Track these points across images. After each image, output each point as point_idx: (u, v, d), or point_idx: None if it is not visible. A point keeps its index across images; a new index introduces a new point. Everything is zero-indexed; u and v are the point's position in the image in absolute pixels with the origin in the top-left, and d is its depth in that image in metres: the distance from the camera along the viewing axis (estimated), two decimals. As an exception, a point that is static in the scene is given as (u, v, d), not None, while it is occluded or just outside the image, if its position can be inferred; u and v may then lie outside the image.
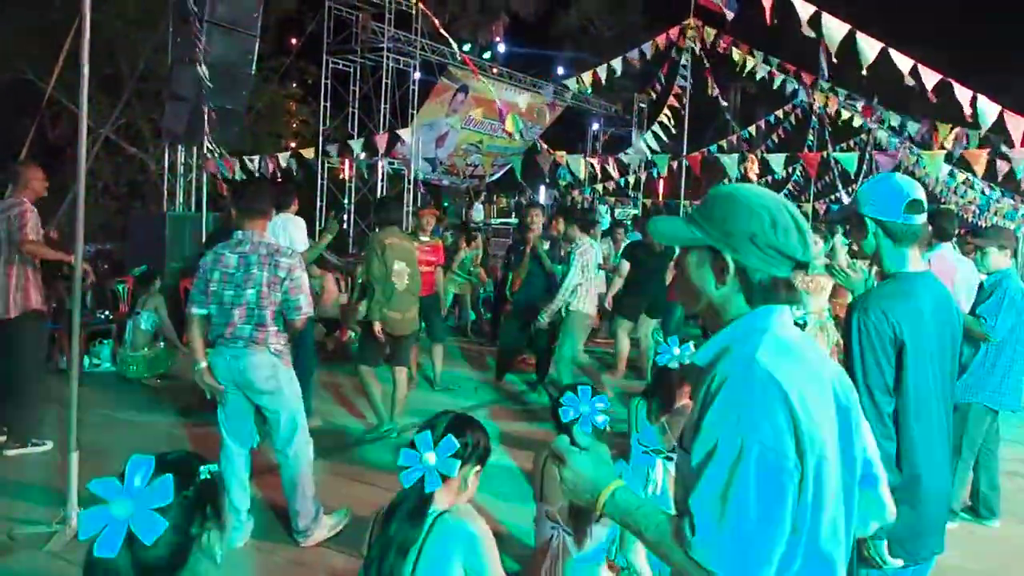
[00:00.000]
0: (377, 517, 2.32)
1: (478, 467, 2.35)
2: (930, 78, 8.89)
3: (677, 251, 1.83)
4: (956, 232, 6.86)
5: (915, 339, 2.45)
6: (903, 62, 8.81)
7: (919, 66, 8.84)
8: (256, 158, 12.48)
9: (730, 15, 10.78)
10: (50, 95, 10.13)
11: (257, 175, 12.72)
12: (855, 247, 6.83)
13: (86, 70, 4.36)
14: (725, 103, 19.85)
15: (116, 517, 1.37)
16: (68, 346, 7.23)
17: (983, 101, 9.00)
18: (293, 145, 15.40)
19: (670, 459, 3.58)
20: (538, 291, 8.09)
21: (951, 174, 20.95)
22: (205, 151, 10.85)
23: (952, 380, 2.64)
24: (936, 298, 2.58)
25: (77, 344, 4.55)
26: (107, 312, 8.82)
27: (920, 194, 2.56)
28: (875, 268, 2.77)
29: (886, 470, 1.95)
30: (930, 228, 4.95)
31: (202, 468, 1.54)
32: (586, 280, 7.25)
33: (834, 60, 8.97)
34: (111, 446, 5.70)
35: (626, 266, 8.56)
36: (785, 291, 1.62)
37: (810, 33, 8.89)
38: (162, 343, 8.06)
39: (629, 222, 13.48)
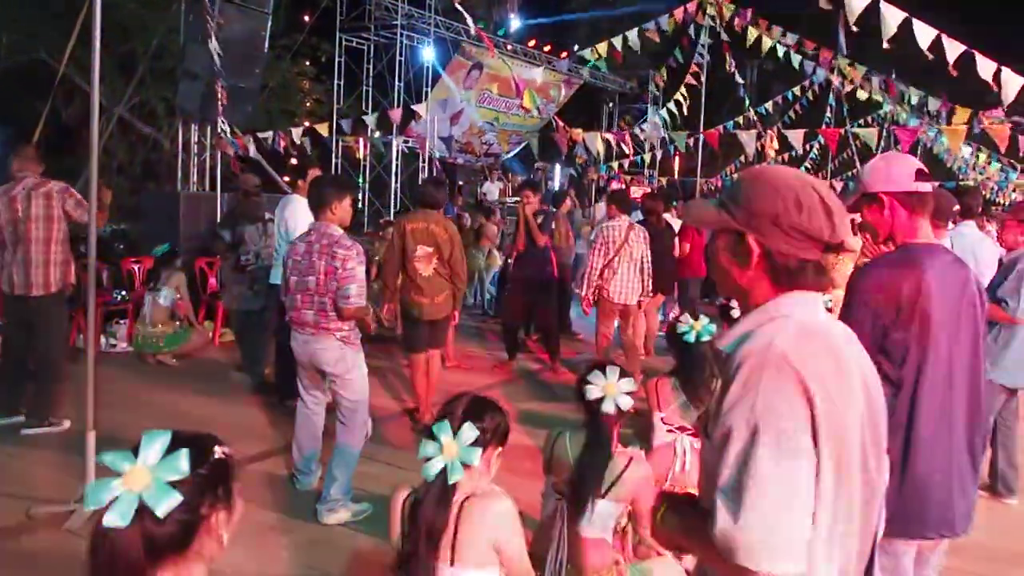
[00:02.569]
0: (403, 509, 2.33)
1: (499, 448, 2.36)
2: (953, 50, 8.71)
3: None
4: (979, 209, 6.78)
5: (919, 307, 2.43)
6: (925, 33, 8.62)
7: (942, 37, 8.65)
8: (269, 134, 12.42)
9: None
10: (64, 75, 10.12)
11: (270, 152, 12.70)
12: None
13: (97, 48, 4.32)
14: (742, 80, 19.60)
15: (129, 488, 1.34)
16: (85, 325, 7.27)
17: (1007, 73, 8.85)
18: (307, 124, 15.34)
19: (695, 436, 3.58)
20: (533, 268, 8.03)
21: (972, 152, 20.71)
22: (219, 130, 10.82)
23: (975, 353, 2.59)
24: (948, 269, 2.56)
25: (94, 323, 4.55)
26: (123, 292, 8.84)
27: (920, 165, 2.60)
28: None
29: None
30: (956, 205, 4.95)
31: (216, 448, 1.52)
32: (628, 265, 7.22)
33: (853, 28, 8.79)
34: (128, 425, 5.69)
35: None
36: (813, 275, 1.58)
37: (827, 6, 8.73)
38: (178, 322, 8.06)
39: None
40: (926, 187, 2.56)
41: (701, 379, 3.70)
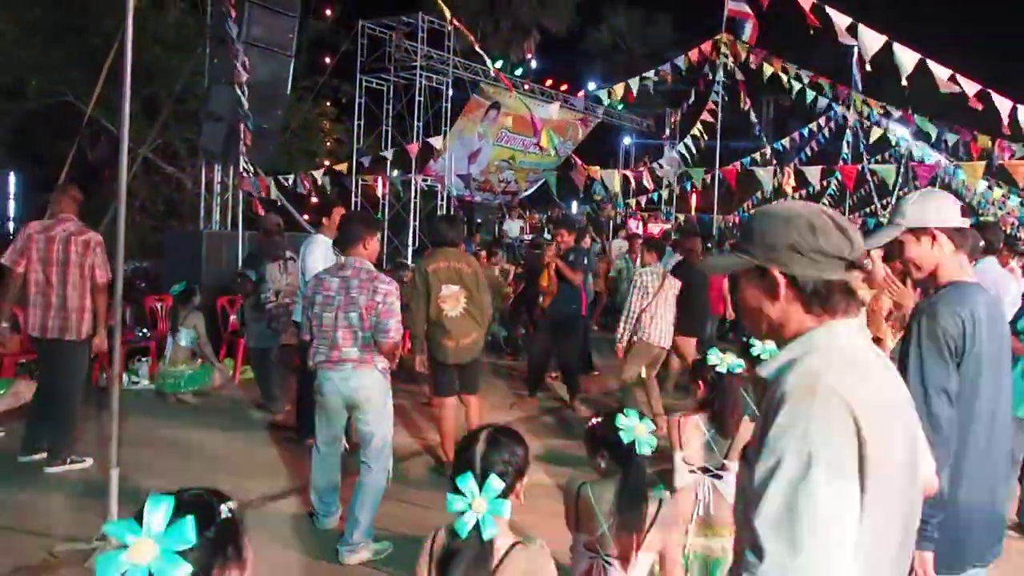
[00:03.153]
0: (431, 553, 2.28)
1: (524, 478, 2.34)
2: (970, 88, 8.77)
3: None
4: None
5: (975, 346, 2.50)
6: (941, 71, 8.70)
7: (958, 76, 8.72)
8: (291, 176, 12.58)
9: (749, 31, 10.73)
10: (90, 116, 10.32)
11: (291, 192, 12.84)
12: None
13: (127, 91, 4.42)
14: (756, 118, 19.70)
15: (136, 562, 1.30)
16: (108, 364, 7.34)
17: (1023, 111, 8.87)
18: (327, 164, 15.52)
19: (718, 477, 3.54)
20: (566, 306, 8.13)
21: (989, 186, 20.63)
22: (241, 170, 10.97)
23: (1007, 391, 2.67)
24: (990, 308, 2.62)
25: (117, 362, 4.60)
26: (145, 330, 8.93)
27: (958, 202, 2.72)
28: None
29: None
30: (981, 241, 4.95)
31: (222, 507, 1.48)
32: (656, 307, 7.23)
33: (867, 68, 8.87)
34: (150, 463, 5.75)
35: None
36: (842, 296, 1.58)
37: (848, 41, 8.79)
38: (199, 361, 8.12)
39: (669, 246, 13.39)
40: (967, 223, 2.66)
41: (731, 412, 3.69)
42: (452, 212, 16.94)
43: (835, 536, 1.38)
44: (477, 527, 2.12)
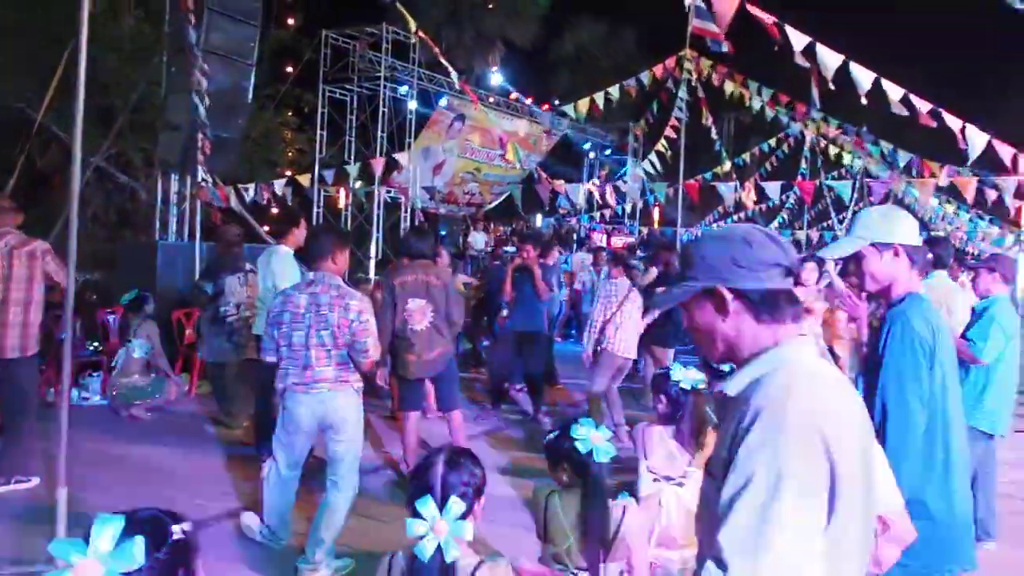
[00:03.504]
0: None
1: (482, 498, 2.32)
2: (922, 107, 9.00)
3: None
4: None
5: (944, 354, 2.65)
6: (894, 91, 8.91)
7: (910, 96, 8.94)
8: (251, 186, 12.41)
9: (725, 47, 10.82)
10: (40, 124, 10.10)
11: (252, 203, 12.68)
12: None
13: (81, 101, 4.29)
14: (717, 134, 19.88)
15: None
16: (57, 379, 7.14)
17: (971, 130, 9.09)
18: (288, 174, 15.39)
19: (680, 485, 3.54)
20: (530, 320, 8.11)
21: (939, 201, 21.04)
22: (199, 180, 10.79)
23: (956, 397, 2.78)
24: (942, 320, 2.77)
25: (68, 377, 4.45)
26: (96, 343, 8.71)
27: None
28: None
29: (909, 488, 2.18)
30: (930, 255, 5.10)
31: (174, 527, 1.45)
32: (621, 319, 7.23)
33: (831, 87, 9.02)
34: (101, 481, 5.59)
35: None
36: (788, 303, 1.65)
37: (804, 63, 8.95)
38: (153, 373, 7.93)
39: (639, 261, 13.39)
40: (920, 241, 2.78)
41: (695, 430, 3.69)
42: (419, 224, 16.84)
43: (801, 555, 1.41)
44: (439, 550, 2.10)
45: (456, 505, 2.13)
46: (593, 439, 2.90)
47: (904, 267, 2.74)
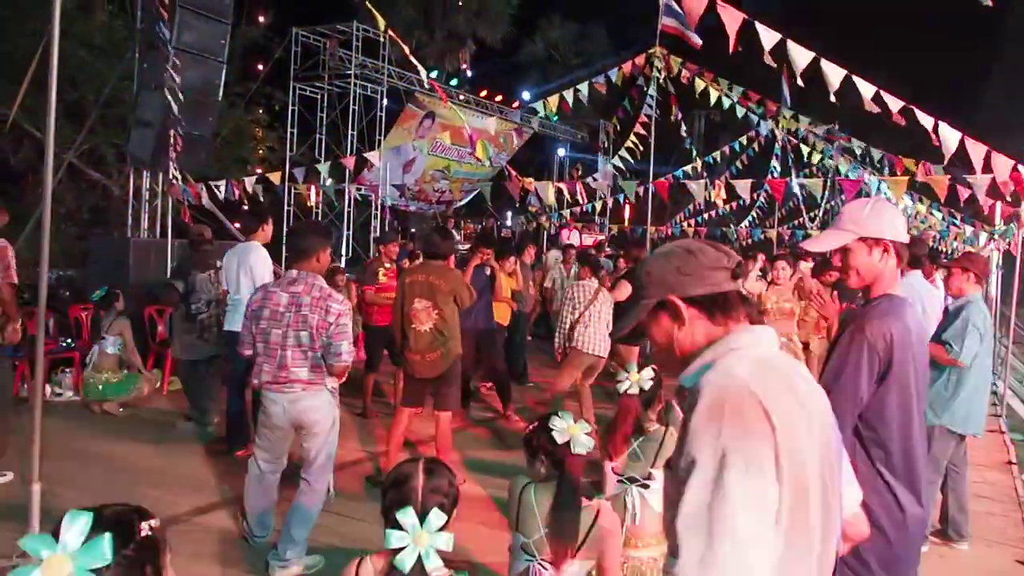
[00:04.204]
0: None
1: (455, 510, 2.35)
2: (893, 105, 9.03)
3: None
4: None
5: (903, 362, 2.57)
6: (867, 88, 8.94)
7: (882, 93, 8.98)
8: (222, 184, 12.36)
9: (697, 41, 10.91)
10: (12, 121, 10.01)
11: (223, 201, 12.62)
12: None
13: (53, 97, 4.29)
14: (687, 132, 20.02)
15: None
16: (30, 375, 7.10)
17: (944, 128, 9.17)
18: (259, 171, 15.31)
19: (644, 487, 3.57)
20: (484, 321, 8.15)
21: (913, 200, 21.28)
22: (171, 177, 10.75)
23: (925, 403, 2.76)
24: (917, 325, 2.70)
25: (41, 373, 4.45)
26: (69, 340, 8.67)
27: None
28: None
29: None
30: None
31: (144, 524, 1.46)
32: (589, 318, 7.30)
33: (799, 84, 9.09)
34: (74, 477, 5.59)
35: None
36: (739, 303, 1.71)
37: (772, 64, 9.00)
38: (126, 370, 7.91)
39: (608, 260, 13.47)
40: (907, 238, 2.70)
41: (618, 430, 3.71)
42: (389, 222, 16.85)
43: (750, 533, 1.41)
44: (418, 561, 2.12)
45: (437, 517, 2.15)
46: (571, 431, 2.92)
47: (892, 264, 2.68)
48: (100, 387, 7.67)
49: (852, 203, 2.83)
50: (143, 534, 1.44)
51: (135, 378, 7.94)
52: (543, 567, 2.86)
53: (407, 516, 2.13)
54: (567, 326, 7.41)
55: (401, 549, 2.12)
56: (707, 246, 1.74)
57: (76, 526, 1.33)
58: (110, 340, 7.80)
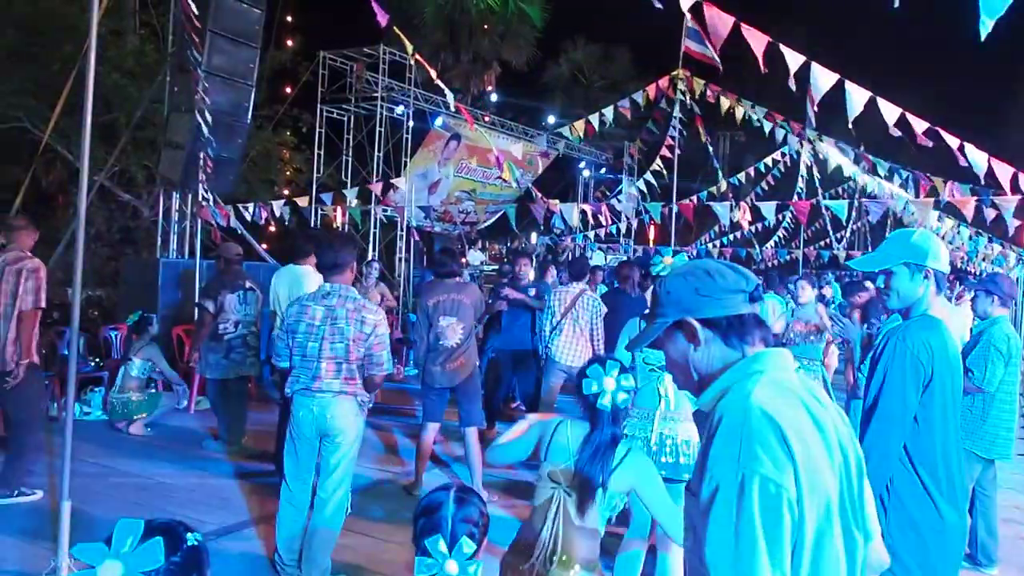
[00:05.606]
0: None
1: (484, 540, 2.36)
2: (918, 127, 8.98)
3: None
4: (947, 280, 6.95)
5: (943, 376, 2.70)
6: (890, 112, 8.89)
7: (907, 114, 8.93)
8: (250, 206, 12.52)
9: (719, 64, 10.92)
10: (45, 143, 10.21)
11: (250, 222, 12.78)
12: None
13: (88, 119, 4.39)
14: (712, 150, 20.01)
15: None
16: (60, 394, 7.20)
17: (970, 149, 9.10)
18: (287, 192, 15.49)
19: None
20: (517, 337, 8.16)
21: (939, 219, 21.07)
22: (200, 199, 10.90)
23: (958, 419, 2.87)
24: (953, 345, 2.83)
25: (72, 392, 4.52)
26: (98, 359, 8.78)
27: None
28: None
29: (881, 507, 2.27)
30: None
31: (189, 535, 1.52)
32: (573, 327, 7.26)
33: (815, 109, 9.07)
34: (102, 495, 5.65)
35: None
36: (755, 326, 1.73)
37: (793, 86, 8.98)
38: (152, 389, 8.01)
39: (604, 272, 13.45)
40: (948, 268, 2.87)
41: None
42: (415, 243, 16.92)
43: (776, 555, 1.43)
44: None
45: (467, 546, 2.16)
46: (605, 383, 2.98)
47: (931, 291, 2.85)
48: (122, 406, 7.78)
49: (901, 230, 3.04)
50: (190, 543, 1.50)
51: (158, 396, 8.07)
52: (568, 494, 2.93)
53: (437, 544, 2.15)
54: (545, 334, 7.40)
55: None
56: (727, 268, 1.75)
57: (129, 534, 1.38)
58: (136, 363, 7.90)
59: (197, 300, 8.38)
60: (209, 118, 9.08)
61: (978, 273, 21.51)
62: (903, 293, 2.87)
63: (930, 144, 9.27)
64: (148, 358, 7.98)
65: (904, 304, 2.88)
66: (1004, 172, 9.37)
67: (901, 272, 2.86)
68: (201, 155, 9.49)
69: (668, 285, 1.80)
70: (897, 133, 9.01)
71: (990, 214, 11.47)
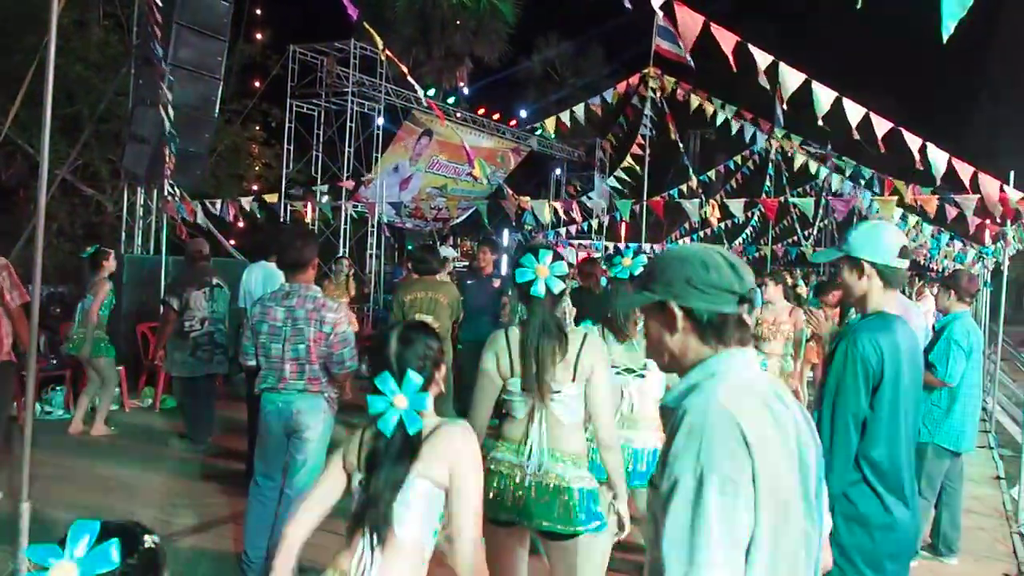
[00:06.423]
0: (359, 459, 2.34)
1: (442, 368, 2.41)
2: (881, 127, 9.08)
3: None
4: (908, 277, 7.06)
5: (893, 375, 2.66)
6: (855, 112, 8.98)
7: (871, 115, 9.03)
8: (218, 201, 12.35)
9: (690, 62, 10.96)
10: (4, 136, 10.01)
11: (217, 217, 12.62)
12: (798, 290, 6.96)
13: (48, 112, 4.29)
14: (683, 148, 20.11)
15: None
16: (20, 393, 7.04)
17: (932, 149, 9.23)
18: (255, 188, 15.32)
19: (641, 377, 3.91)
20: (483, 329, 8.12)
21: (903, 218, 21.34)
22: (165, 194, 10.74)
23: (917, 419, 2.86)
24: (909, 340, 2.77)
25: (32, 391, 4.42)
26: (60, 357, 8.62)
27: (907, 241, 2.84)
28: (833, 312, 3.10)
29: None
30: None
31: (146, 537, 1.49)
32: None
33: (783, 108, 9.14)
34: (64, 496, 5.55)
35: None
36: (736, 328, 1.71)
37: (766, 84, 9.04)
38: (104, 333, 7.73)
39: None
40: (905, 264, 2.76)
41: None
42: (385, 239, 16.82)
43: (729, 552, 1.45)
44: (400, 424, 2.19)
45: (414, 377, 2.20)
46: (538, 271, 2.97)
47: (875, 286, 2.77)
48: (79, 342, 7.55)
49: (860, 223, 2.98)
50: (146, 545, 1.47)
51: (110, 347, 7.79)
52: (543, 397, 2.95)
53: (385, 381, 2.20)
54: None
55: (382, 414, 2.19)
56: (724, 265, 1.70)
57: (83, 535, 1.36)
58: (90, 299, 7.60)
59: (162, 297, 8.25)
60: (172, 112, 8.94)
61: (940, 270, 21.82)
62: (847, 287, 2.85)
63: (884, 150, 9.36)
64: (94, 293, 7.61)
65: (853, 297, 2.86)
66: (965, 172, 9.52)
67: (844, 266, 2.84)
68: (166, 149, 9.35)
69: (664, 264, 1.78)
70: (856, 136, 9.11)
71: (951, 212, 11.65)
